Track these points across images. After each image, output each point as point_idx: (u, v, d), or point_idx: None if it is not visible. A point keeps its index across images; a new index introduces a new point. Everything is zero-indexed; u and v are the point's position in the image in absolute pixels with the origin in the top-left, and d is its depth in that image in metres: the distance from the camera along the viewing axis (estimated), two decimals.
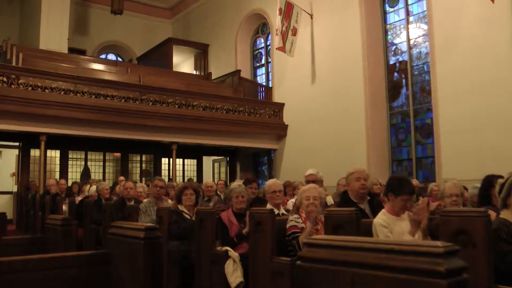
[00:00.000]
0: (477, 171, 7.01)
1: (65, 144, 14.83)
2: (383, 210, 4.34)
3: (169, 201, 7.71)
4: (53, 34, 18.13)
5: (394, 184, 4.35)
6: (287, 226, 4.72)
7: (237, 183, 6.50)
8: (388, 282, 1.33)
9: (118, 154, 17.04)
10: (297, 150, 15.93)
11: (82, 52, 20.74)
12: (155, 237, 2.34)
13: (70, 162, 15.94)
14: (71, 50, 19.67)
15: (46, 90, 12.40)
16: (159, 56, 21.08)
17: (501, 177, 3.92)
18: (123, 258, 2.48)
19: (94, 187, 9.83)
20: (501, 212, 3.58)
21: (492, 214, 3.55)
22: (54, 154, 15.54)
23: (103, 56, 22.96)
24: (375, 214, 4.73)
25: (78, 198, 10.10)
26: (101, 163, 16.73)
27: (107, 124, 13.32)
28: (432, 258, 1.25)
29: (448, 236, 3.12)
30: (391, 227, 4.13)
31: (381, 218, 4.21)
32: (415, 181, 9.56)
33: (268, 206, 5.66)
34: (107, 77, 15.00)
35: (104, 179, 15.45)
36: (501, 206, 3.57)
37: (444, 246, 1.26)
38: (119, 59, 23.51)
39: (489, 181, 4.78)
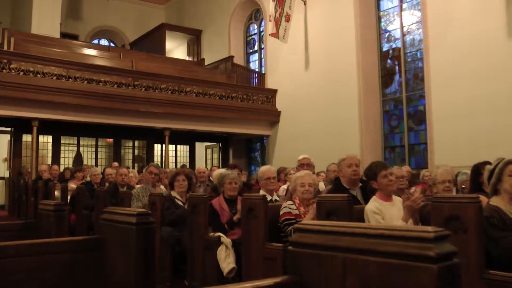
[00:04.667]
0: (470, 158, 7.02)
1: (57, 130, 14.78)
2: (374, 197, 4.35)
3: (162, 187, 7.71)
4: (45, 19, 18.00)
5: (368, 173, 4.48)
6: (281, 212, 4.71)
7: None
8: (379, 266, 1.34)
9: (111, 140, 16.99)
10: (290, 136, 15.95)
11: (75, 37, 20.61)
12: (147, 223, 2.34)
13: (62, 148, 15.87)
14: (64, 35, 19.56)
15: (38, 75, 12.33)
16: (152, 41, 20.99)
17: (490, 163, 3.94)
18: (116, 243, 2.48)
19: (95, 169, 9.87)
20: (491, 199, 3.60)
21: (484, 200, 3.57)
22: (46, 140, 15.49)
23: (95, 41, 22.84)
24: (367, 200, 4.74)
25: (71, 184, 10.08)
26: (94, 149, 16.69)
27: (99, 109, 13.27)
28: (422, 243, 1.26)
29: (440, 222, 3.14)
30: (383, 213, 4.14)
31: (373, 205, 4.22)
32: (407, 168, 9.59)
33: (261, 192, 5.67)
34: (100, 62, 14.92)
35: (96, 165, 15.42)
36: (492, 192, 3.59)
37: (435, 231, 1.27)
38: (112, 44, 23.39)
39: (477, 168, 4.82)
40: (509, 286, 2.93)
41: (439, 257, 1.23)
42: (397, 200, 4.35)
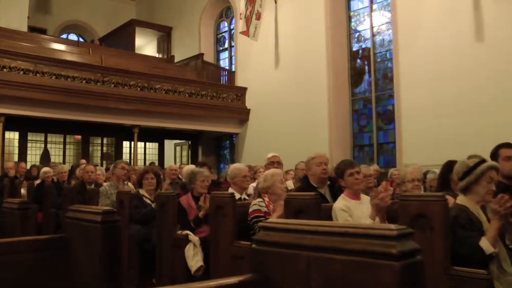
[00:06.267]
0: (438, 157, 7.12)
1: (24, 126, 14.56)
2: (342, 195, 4.38)
3: (130, 184, 7.65)
4: (13, 12, 17.67)
5: (336, 171, 4.54)
6: (250, 210, 4.71)
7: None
8: (343, 264, 1.34)
9: (79, 137, 16.80)
10: (259, 134, 15.97)
11: (43, 31, 20.31)
12: (113, 221, 2.32)
13: (29, 144, 15.63)
14: (31, 29, 19.25)
15: (5, 69, 12.13)
16: (121, 37, 20.79)
17: None
18: (81, 242, 2.45)
19: (45, 169, 9.70)
20: (458, 197, 3.62)
21: (450, 199, 3.59)
22: (12, 136, 15.22)
23: (64, 36, 22.51)
24: (335, 198, 4.77)
25: (37, 182, 9.93)
26: (61, 146, 16.46)
27: (67, 105, 13.09)
28: (385, 240, 1.27)
29: (407, 219, 3.17)
30: (351, 211, 4.17)
31: (341, 203, 4.25)
32: (375, 166, 9.68)
33: (230, 190, 5.65)
34: (68, 57, 14.74)
35: (64, 162, 15.22)
36: (463, 189, 3.57)
37: (398, 229, 1.28)
38: (81, 39, 23.09)
39: (448, 166, 4.83)
40: (473, 282, 2.99)
41: (401, 254, 1.24)
42: (365, 198, 4.38)
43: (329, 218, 4.17)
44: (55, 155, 16.07)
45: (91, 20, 22.97)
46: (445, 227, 3.13)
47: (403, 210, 3.30)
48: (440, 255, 3.10)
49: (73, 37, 23.34)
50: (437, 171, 6.79)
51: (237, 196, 5.30)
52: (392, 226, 1.30)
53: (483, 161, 3.59)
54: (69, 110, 13.25)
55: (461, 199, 3.55)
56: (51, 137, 16.17)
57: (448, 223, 3.18)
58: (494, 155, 4.43)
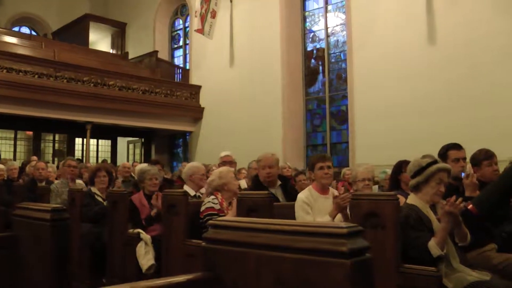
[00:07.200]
0: (390, 157, 7.21)
1: None
2: (309, 186, 4.45)
3: (80, 181, 7.54)
4: None
5: (308, 163, 4.55)
6: (203, 208, 4.68)
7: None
8: (293, 263, 1.35)
9: (30, 133, 16.47)
10: (213, 133, 15.97)
11: None
12: (62, 219, 2.28)
13: None
14: None
15: None
16: (75, 32, 20.44)
17: None
18: (30, 240, 2.41)
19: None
20: (409, 197, 3.66)
21: (402, 198, 3.64)
22: None
23: (16, 29, 21.97)
24: (288, 198, 4.80)
25: None
26: (12, 142, 16.13)
27: (19, 100, 12.82)
28: (335, 238, 1.28)
29: (359, 218, 3.21)
30: (312, 204, 4.20)
31: (305, 194, 4.30)
32: None
33: (185, 187, 5.62)
34: (20, 51, 14.42)
35: (15, 159, 14.89)
36: (413, 187, 3.61)
37: (348, 227, 1.29)
38: (33, 32, 22.60)
39: (398, 166, 4.90)
40: (424, 279, 3.05)
41: (351, 252, 1.25)
42: (333, 193, 4.42)
43: (281, 217, 4.18)
44: (5, 151, 15.70)
45: (44, 13, 22.49)
46: (397, 226, 3.18)
47: (355, 209, 3.34)
48: (391, 253, 3.15)
49: (25, 30, 22.81)
50: (389, 171, 6.91)
51: (192, 193, 5.31)
52: (342, 224, 1.31)
53: (435, 162, 3.64)
54: (20, 105, 12.97)
55: (411, 198, 3.60)
56: (1, 133, 15.82)
57: (399, 221, 3.23)
58: (443, 155, 4.50)
